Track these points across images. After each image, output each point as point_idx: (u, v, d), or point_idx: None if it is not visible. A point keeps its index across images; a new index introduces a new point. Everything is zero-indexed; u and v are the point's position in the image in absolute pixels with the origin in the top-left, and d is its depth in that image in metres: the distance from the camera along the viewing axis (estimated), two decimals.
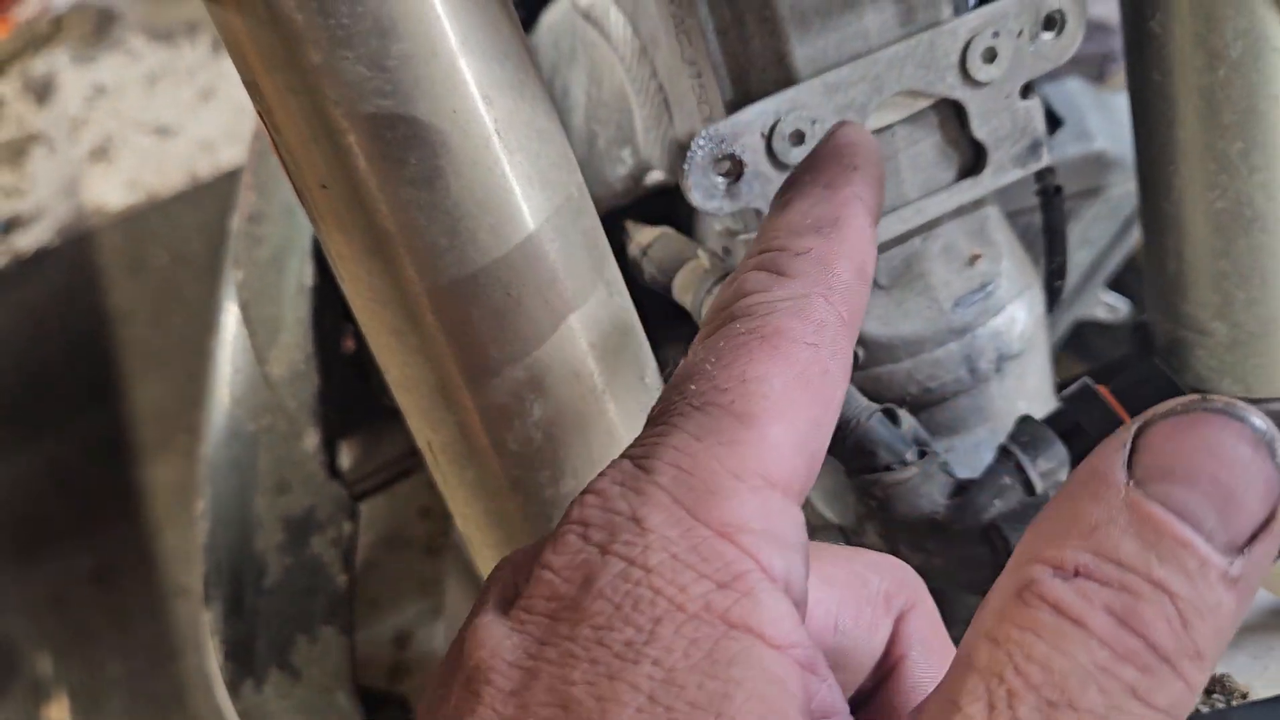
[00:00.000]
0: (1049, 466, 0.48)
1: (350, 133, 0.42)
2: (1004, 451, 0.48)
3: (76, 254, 2.10)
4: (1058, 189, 0.59)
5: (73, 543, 1.70)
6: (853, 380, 0.56)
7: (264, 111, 0.44)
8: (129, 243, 2.09)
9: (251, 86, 0.43)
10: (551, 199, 0.46)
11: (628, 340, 0.50)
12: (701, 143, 0.48)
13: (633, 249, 0.61)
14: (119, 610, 1.62)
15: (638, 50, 0.60)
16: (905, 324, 0.55)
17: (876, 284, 0.55)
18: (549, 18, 0.65)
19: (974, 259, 0.55)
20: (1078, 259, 0.94)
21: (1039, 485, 0.47)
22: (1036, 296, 0.58)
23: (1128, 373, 0.50)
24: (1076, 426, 0.49)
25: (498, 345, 0.46)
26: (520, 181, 0.45)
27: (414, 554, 0.78)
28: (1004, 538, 0.47)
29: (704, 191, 0.49)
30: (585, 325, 0.48)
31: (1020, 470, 0.48)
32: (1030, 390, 0.58)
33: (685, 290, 0.55)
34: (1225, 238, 0.57)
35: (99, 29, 2.43)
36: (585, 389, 0.48)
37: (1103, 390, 0.50)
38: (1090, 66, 3.43)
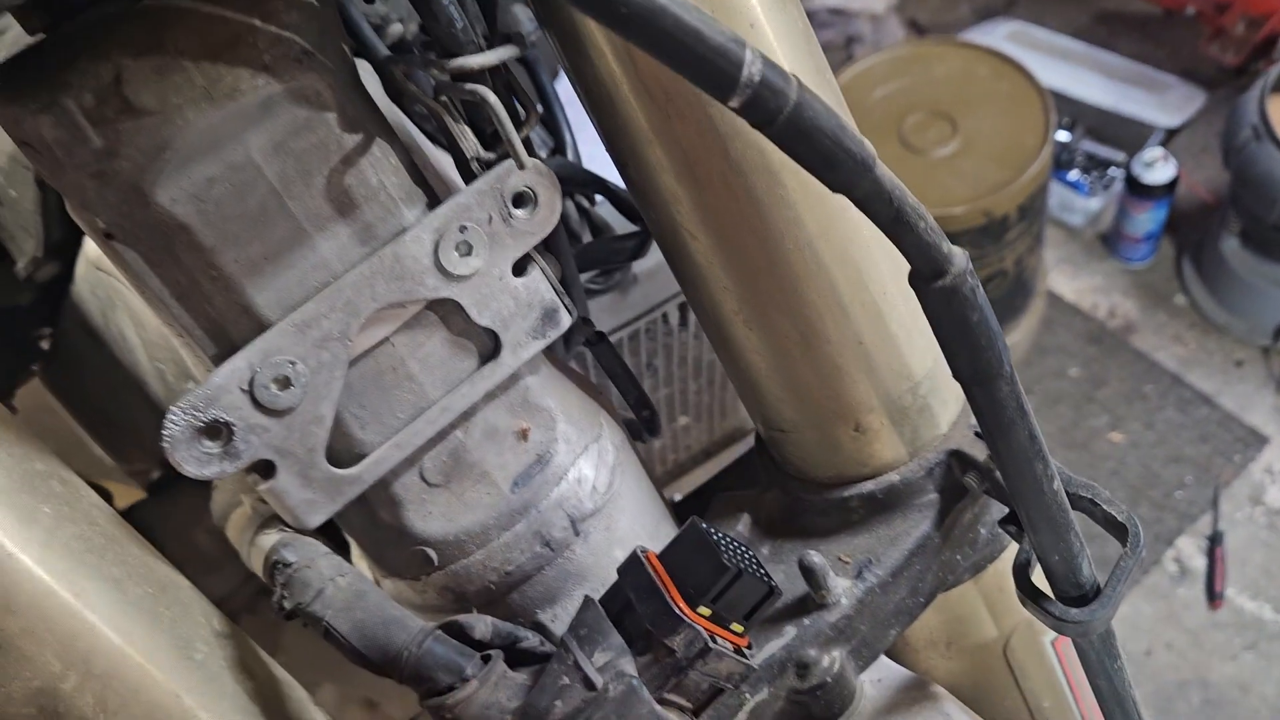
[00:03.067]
0: (607, 658, 0.48)
1: None
2: (562, 646, 0.48)
3: None
4: (600, 336, 0.59)
5: None
6: (431, 581, 0.55)
7: None
8: None
9: None
10: None
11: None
12: (176, 417, 0.46)
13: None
14: None
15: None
16: (466, 516, 0.54)
17: (428, 483, 0.54)
18: (80, 269, 0.63)
19: (524, 433, 0.55)
20: None
21: (597, 681, 0.47)
22: (608, 443, 0.58)
23: (678, 537, 0.51)
24: (628, 602, 0.49)
25: None
26: None
27: None
28: None
29: (196, 462, 0.47)
30: None
31: (578, 667, 0.47)
32: (624, 535, 0.58)
33: (234, 535, 0.54)
34: (767, 361, 0.58)
35: None
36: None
37: (650, 557, 0.50)
38: (838, 50, 3.52)
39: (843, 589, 0.58)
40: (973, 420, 0.61)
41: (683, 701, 0.48)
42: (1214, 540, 2.22)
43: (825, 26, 3.13)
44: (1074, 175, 2.67)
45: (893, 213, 0.40)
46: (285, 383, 0.48)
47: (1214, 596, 2.16)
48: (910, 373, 0.58)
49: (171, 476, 0.75)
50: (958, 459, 0.60)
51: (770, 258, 0.54)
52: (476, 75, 0.48)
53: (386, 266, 0.49)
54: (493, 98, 0.46)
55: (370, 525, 0.55)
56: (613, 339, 0.91)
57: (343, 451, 0.51)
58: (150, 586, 0.49)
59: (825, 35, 3.12)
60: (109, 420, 0.77)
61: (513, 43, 0.48)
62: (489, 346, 0.53)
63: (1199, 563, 2.22)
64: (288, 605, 0.49)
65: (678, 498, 1.21)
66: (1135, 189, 2.45)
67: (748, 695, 0.57)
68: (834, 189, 0.39)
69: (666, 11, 0.33)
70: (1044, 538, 0.52)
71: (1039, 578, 0.57)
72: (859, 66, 2.36)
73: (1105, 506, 0.56)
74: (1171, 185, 2.43)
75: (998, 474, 0.58)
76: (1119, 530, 0.55)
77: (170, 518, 0.75)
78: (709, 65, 0.34)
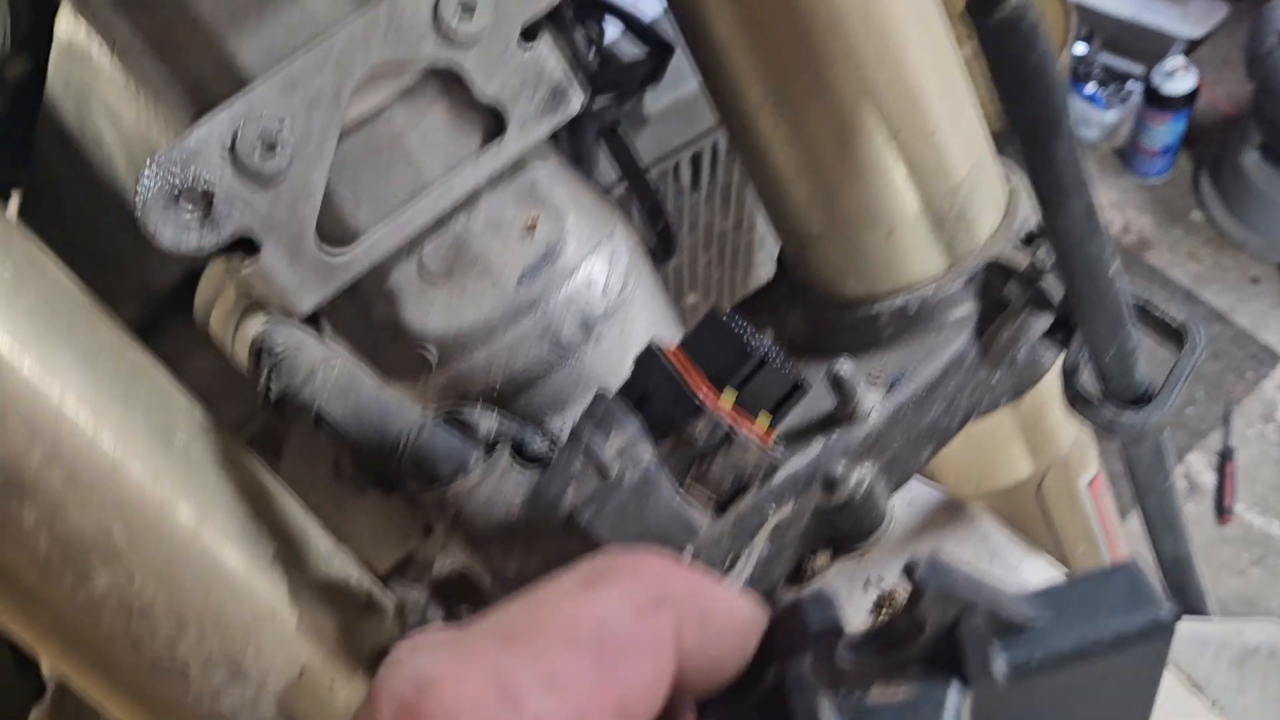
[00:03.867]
0: (622, 443, 0.44)
1: None
2: (573, 435, 0.44)
3: None
4: (613, 129, 0.55)
5: None
6: (431, 383, 0.51)
7: None
8: None
9: None
10: None
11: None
12: (148, 175, 0.42)
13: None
14: None
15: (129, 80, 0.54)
16: (469, 312, 0.50)
17: (428, 274, 0.50)
18: (53, 62, 0.58)
19: (531, 225, 0.51)
20: None
21: (613, 467, 0.43)
22: (621, 244, 0.54)
23: (697, 328, 0.47)
24: (644, 394, 0.45)
25: None
26: None
27: None
28: (583, 528, 0.43)
29: (174, 229, 0.43)
30: None
31: (591, 454, 0.43)
32: (639, 342, 0.54)
33: (217, 329, 0.50)
34: (797, 157, 0.54)
35: None
36: None
37: (669, 352, 0.46)
38: None
39: (874, 402, 0.54)
40: (1014, 230, 0.57)
41: (706, 491, 0.45)
42: (1224, 456, 2.19)
43: None
44: (1091, 88, 2.60)
45: None
46: (271, 146, 0.43)
47: (1223, 512, 2.14)
48: (948, 173, 0.54)
49: (158, 314, 0.70)
50: (997, 271, 0.56)
51: (800, 34, 0.49)
52: None
53: (382, 23, 0.44)
54: None
55: (364, 322, 0.51)
56: (615, 194, 0.86)
57: (334, 234, 0.47)
58: (123, 366, 0.45)
59: None
60: (90, 254, 0.73)
61: None
62: (492, 126, 0.49)
63: (1208, 479, 2.20)
64: (274, 390, 0.45)
65: None
66: (1154, 100, 2.39)
67: (770, 510, 0.54)
68: None
69: None
70: (1098, 329, 0.48)
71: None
72: None
73: (1158, 313, 0.52)
74: (1192, 96, 2.37)
75: (1042, 282, 0.54)
76: (1174, 335, 0.51)
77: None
78: None
